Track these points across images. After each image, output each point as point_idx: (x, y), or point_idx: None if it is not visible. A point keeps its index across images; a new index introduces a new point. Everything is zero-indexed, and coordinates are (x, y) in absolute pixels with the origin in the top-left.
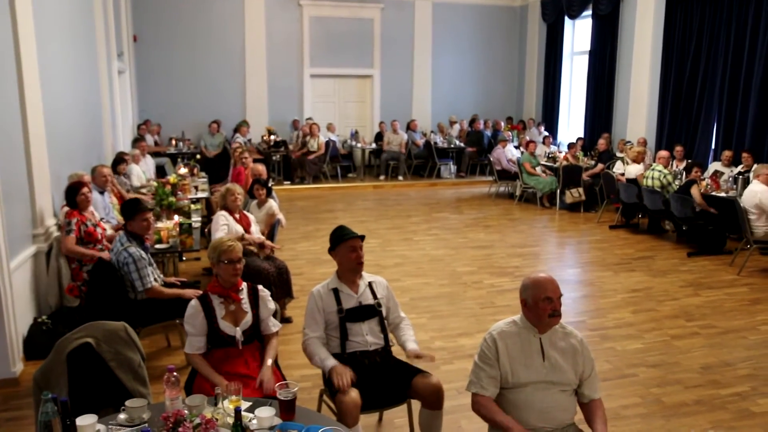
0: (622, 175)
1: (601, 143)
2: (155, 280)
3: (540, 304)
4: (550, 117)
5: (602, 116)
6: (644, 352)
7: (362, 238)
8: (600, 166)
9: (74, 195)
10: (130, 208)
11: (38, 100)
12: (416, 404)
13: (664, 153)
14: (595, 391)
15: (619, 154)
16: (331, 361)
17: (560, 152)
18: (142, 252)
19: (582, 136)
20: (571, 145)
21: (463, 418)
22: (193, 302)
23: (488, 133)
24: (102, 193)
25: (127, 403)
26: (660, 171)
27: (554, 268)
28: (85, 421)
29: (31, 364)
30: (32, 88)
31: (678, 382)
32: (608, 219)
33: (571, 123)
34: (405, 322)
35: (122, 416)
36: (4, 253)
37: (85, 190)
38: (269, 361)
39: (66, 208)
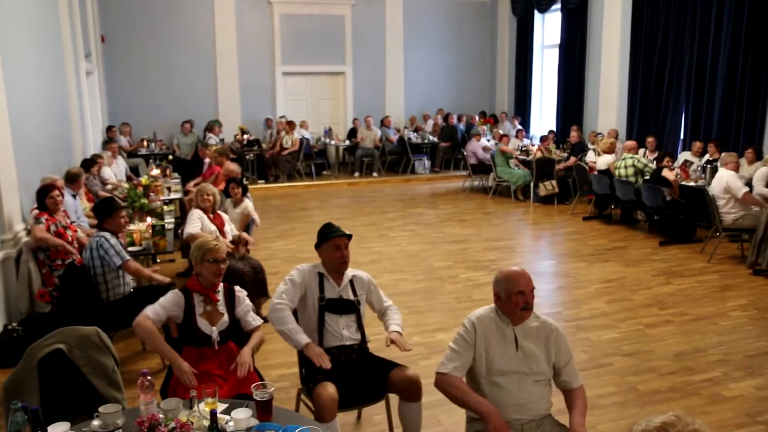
0: (594, 162)
1: (573, 136)
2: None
3: (512, 297)
4: (522, 110)
5: (573, 109)
6: (619, 342)
7: (349, 237)
8: (572, 158)
9: (44, 198)
10: (106, 207)
11: (2, 102)
12: (394, 400)
13: (630, 143)
14: (575, 379)
15: (590, 146)
16: (304, 338)
17: (533, 145)
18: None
19: (554, 129)
20: (543, 138)
21: (442, 413)
22: (177, 291)
23: (462, 127)
24: (74, 196)
25: (101, 409)
26: (632, 157)
27: (530, 261)
28: (57, 429)
29: (1, 372)
30: None
31: (652, 370)
32: (582, 210)
33: (543, 116)
34: (391, 309)
35: (96, 423)
36: None
37: (55, 193)
38: (250, 346)
39: (35, 211)
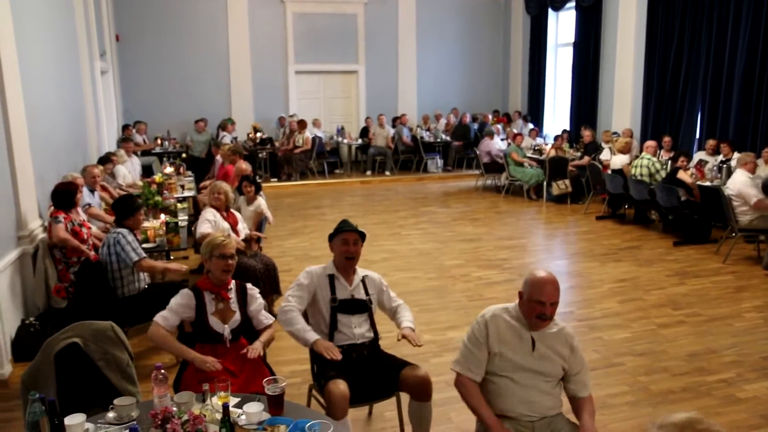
0: (608, 161)
1: (587, 135)
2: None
3: (531, 303)
4: (535, 109)
5: (587, 108)
6: (631, 341)
7: (361, 235)
8: (586, 158)
9: (70, 196)
10: (126, 205)
11: (19, 101)
12: (405, 397)
13: (651, 143)
14: (584, 389)
15: (604, 145)
16: (312, 335)
17: (546, 144)
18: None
19: (568, 128)
20: (557, 137)
21: (452, 411)
22: (187, 291)
23: (475, 126)
24: (92, 192)
25: (116, 401)
26: (648, 159)
27: (542, 260)
28: (73, 420)
29: (19, 365)
30: (13, 90)
31: (665, 370)
32: (595, 210)
33: (557, 115)
34: (402, 306)
35: (111, 415)
36: None
37: (79, 190)
38: (262, 339)
39: (52, 209)
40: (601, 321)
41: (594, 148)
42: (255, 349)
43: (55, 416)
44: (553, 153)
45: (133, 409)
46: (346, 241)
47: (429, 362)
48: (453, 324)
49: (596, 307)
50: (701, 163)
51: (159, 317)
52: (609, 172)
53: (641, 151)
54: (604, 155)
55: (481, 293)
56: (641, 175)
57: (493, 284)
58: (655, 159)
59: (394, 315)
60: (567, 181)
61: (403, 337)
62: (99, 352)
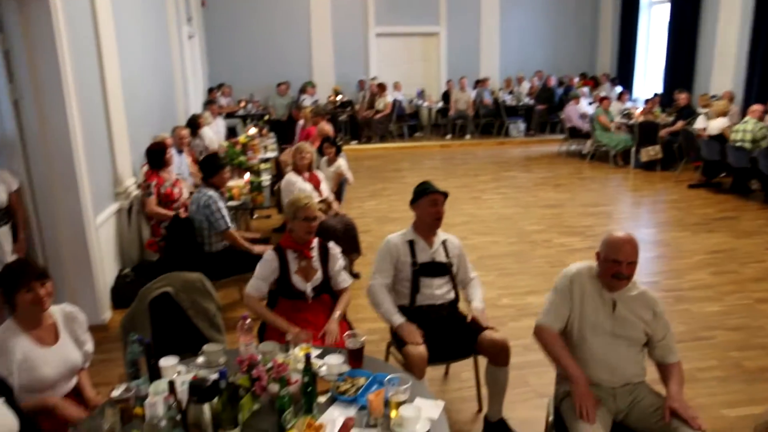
0: (704, 130)
1: (682, 98)
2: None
3: (607, 262)
4: (625, 72)
5: (683, 70)
6: (723, 315)
7: (445, 195)
8: (680, 122)
9: (161, 155)
10: (212, 163)
11: (116, 67)
12: (483, 360)
13: (758, 106)
14: (671, 354)
15: (700, 110)
16: (398, 318)
17: (636, 108)
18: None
19: (660, 91)
20: (647, 101)
21: (530, 374)
22: (270, 252)
23: (560, 89)
24: (180, 152)
25: (205, 347)
26: (754, 124)
27: (627, 228)
28: (167, 362)
29: (117, 312)
30: (110, 56)
31: (762, 347)
32: (687, 178)
33: (648, 78)
34: (475, 281)
35: (200, 359)
36: (91, 209)
37: (168, 150)
38: (337, 314)
39: (146, 168)
40: (690, 293)
41: (689, 113)
42: (331, 335)
43: (151, 357)
44: (643, 117)
45: (221, 355)
46: (435, 201)
47: (507, 326)
48: (532, 289)
49: (685, 278)
50: None
51: (250, 288)
52: (705, 138)
53: (742, 116)
54: (699, 123)
55: (563, 260)
56: (743, 141)
57: (575, 251)
58: (762, 124)
59: (465, 287)
60: (657, 147)
61: (473, 318)
62: (188, 301)
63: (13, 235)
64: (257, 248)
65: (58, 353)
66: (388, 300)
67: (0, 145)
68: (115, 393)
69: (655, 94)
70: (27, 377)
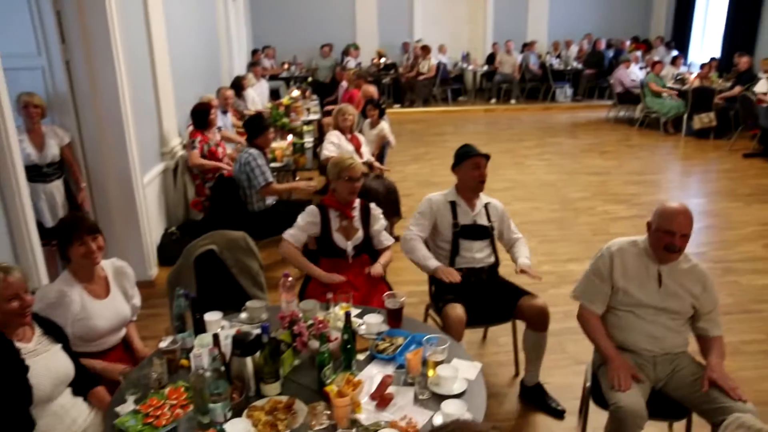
0: (765, 95)
1: (742, 62)
2: None
3: (659, 233)
4: (681, 35)
5: (745, 32)
6: None
7: (487, 158)
8: (738, 87)
9: (206, 116)
10: (256, 124)
11: (162, 29)
12: (521, 325)
13: None
14: (715, 327)
15: (761, 75)
16: (434, 262)
17: (690, 73)
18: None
19: (718, 55)
20: (703, 66)
21: (568, 341)
22: (313, 208)
23: (609, 53)
24: (224, 113)
25: (248, 303)
26: None
27: (675, 197)
28: (212, 317)
29: (163, 269)
30: (157, 18)
31: None
32: (742, 147)
33: (706, 41)
34: (520, 241)
35: (243, 315)
36: (138, 168)
37: (213, 110)
38: (382, 260)
39: (191, 128)
40: (740, 264)
41: (749, 78)
42: (376, 269)
43: (197, 311)
44: (697, 83)
45: (263, 312)
46: (478, 165)
47: (547, 293)
48: (574, 256)
49: (734, 250)
50: None
51: (288, 235)
52: (766, 104)
53: None
54: (760, 87)
55: (606, 228)
56: None
57: (619, 219)
58: None
59: (510, 248)
60: (711, 114)
61: (522, 271)
62: (232, 259)
63: (65, 189)
64: (301, 183)
65: (110, 306)
66: (423, 247)
67: (53, 103)
68: (163, 345)
69: (712, 58)
70: (81, 327)
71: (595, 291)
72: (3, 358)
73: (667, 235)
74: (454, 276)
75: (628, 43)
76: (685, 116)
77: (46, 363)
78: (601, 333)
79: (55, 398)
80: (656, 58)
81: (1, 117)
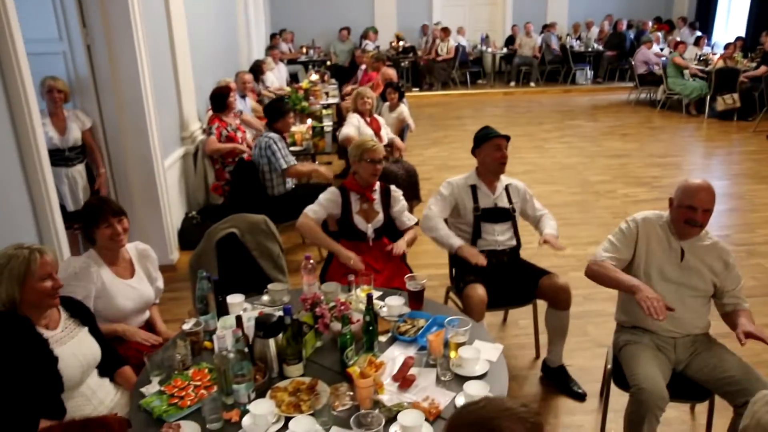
0: None
1: None
2: None
3: (681, 208)
4: (704, 15)
5: None
6: None
7: (508, 138)
8: (763, 67)
9: (224, 99)
10: (277, 108)
11: (182, 13)
12: (542, 307)
13: None
14: (741, 302)
15: None
16: (457, 240)
17: (714, 54)
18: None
19: (743, 35)
20: (727, 45)
21: (589, 324)
22: (334, 188)
23: (631, 34)
24: (243, 97)
25: (270, 286)
26: None
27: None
28: (234, 299)
29: (184, 253)
30: (177, 3)
31: None
32: (767, 128)
33: (731, 22)
34: (546, 216)
35: (265, 298)
36: (159, 153)
37: (232, 93)
38: (406, 237)
39: (210, 113)
40: (764, 247)
41: None
42: (399, 246)
43: (219, 293)
44: (721, 63)
45: (285, 294)
46: (499, 146)
47: (568, 275)
48: (595, 239)
49: (758, 232)
50: None
51: (308, 209)
52: None
53: None
54: None
55: (627, 211)
56: None
57: (640, 202)
58: None
59: (537, 224)
60: (735, 96)
61: (545, 242)
62: (253, 242)
63: (87, 174)
64: (321, 168)
65: (134, 287)
66: (444, 226)
67: (74, 88)
68: (186, 326)
69: (738, 38)
70: (105, 306)
71: (614, 250)
72: (33, 351)
73: (689, 210)
74: (479, 259)
75: (650, 23)
76: (708, 98)
77: (74, 350)
78: (616, 270)
79: (83, 382)
80: (678, 39)
81: (26, 103)
